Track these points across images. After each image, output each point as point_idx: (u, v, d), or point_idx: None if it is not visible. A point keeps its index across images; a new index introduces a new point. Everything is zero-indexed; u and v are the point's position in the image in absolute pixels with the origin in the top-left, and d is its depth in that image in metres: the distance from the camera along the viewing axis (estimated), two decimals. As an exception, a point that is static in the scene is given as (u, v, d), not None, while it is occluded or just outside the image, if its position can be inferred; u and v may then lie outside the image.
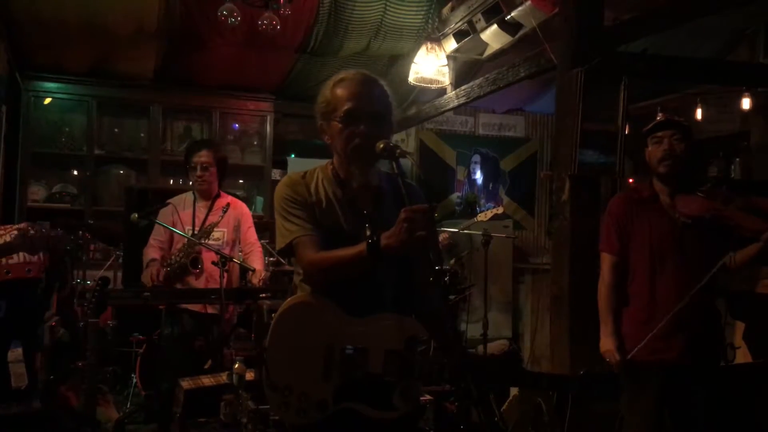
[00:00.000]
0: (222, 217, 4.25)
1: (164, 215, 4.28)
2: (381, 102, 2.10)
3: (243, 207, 4.52)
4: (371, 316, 2.03)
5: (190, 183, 4.47)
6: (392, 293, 2.10)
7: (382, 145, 1.97)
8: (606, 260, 3.14)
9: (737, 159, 6.30)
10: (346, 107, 2.04)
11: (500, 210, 5.83)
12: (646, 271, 3.02)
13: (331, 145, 2.13)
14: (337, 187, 2.12)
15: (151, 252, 4.29)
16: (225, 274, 4.03)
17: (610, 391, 1.85)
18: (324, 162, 2.21)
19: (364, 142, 2.02)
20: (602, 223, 3.25)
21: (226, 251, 4.21)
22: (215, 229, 4.26)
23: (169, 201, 4.39)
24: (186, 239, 4.17)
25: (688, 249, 2.97)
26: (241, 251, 4.45)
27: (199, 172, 4.30)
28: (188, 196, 4.42)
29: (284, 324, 2.04)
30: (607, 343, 3.03)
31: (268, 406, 3.32)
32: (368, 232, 1.96)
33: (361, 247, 1.90)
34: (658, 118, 3.16)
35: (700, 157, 6.19)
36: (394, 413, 2.02)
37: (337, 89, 2.08)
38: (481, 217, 5.74)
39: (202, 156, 4.32)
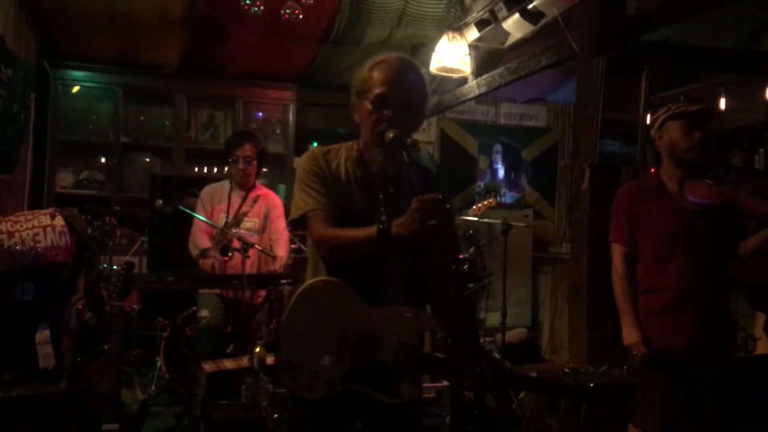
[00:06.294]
0: (252, 207, 4.33)
1: (200, 203, 4.38)
2: (414, 90, 2.09)
3: (275, 198, 4.60)
4: (390, 307, 2.05)
5: (229, 173, 4.52)
6: (404, 283, 2.10)
7: (392, 135, 1.98)
8: (617, 251, 3.12)
9: (761, 149, 6.23)
10: (378, 91, 2.04)
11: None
12: (655, 259, 3.01)
13: (360, 125, 2.13)
14: (358, 167, 2.12)
15: (203, 239, 4.38)
16: (249, 260, 4.12)
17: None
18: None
19: (390, 128, 2.01)
20: (611, 214, 3.23)
21: (254, 239, 4.29)
22: (246, 219, 4.35)
23: (207, 187, 4.48)
24: (218, 227, 4.27)
25: (698, 236, 2.94)
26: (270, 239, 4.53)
27: (241, 165, 4.37)
28: (225, 185, 4.50)
29: (303, 304, 2.04)
30: (631, 335, 3.01)
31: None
32: (383, 217, 1.96)
33: (372, 231, 1.91)
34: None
35: (721, 148, 6.13)
36: (400, 399, 2.06)
37: (374, 71, 2.07)
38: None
39: (246, 150, 4.39)
